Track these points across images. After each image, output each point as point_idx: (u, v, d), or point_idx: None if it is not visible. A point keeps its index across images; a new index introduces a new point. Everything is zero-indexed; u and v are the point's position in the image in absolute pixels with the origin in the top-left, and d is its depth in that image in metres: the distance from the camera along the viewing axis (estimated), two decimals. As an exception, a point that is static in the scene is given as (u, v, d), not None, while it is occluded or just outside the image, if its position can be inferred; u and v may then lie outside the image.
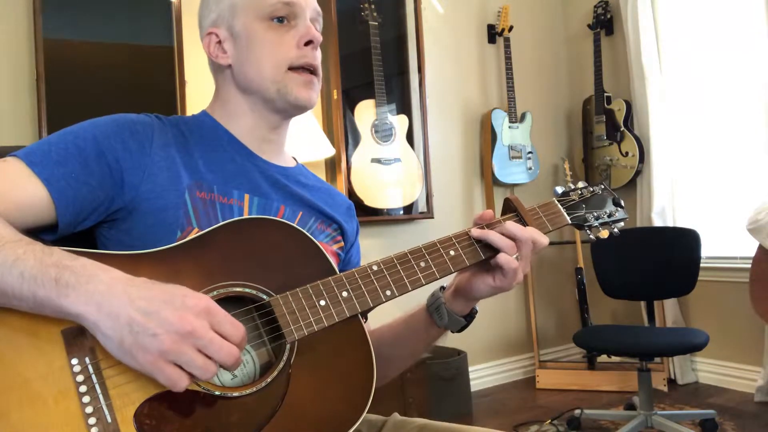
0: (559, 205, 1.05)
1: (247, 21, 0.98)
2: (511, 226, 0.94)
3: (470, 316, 1.03)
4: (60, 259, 0.72)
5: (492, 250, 0.94)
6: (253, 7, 0.98)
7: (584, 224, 1.07)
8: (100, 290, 0.69)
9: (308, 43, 0.99)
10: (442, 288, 1.03)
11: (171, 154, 0.94)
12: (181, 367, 0.69)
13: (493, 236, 0.93)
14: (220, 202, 0.94)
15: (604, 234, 1.08)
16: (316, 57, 1.01)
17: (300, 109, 1.02)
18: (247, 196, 0.97)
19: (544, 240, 0.95)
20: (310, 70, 1.00)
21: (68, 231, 0.86)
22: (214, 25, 1.01)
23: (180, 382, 0.69)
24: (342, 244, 1.09)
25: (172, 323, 0.68)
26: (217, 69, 1.04)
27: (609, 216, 1.09)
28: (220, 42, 1.01)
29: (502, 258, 0.92)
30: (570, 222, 1.05)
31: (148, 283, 0.72)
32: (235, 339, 0.71)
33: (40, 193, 0.82)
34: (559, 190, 1.09)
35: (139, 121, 0.94)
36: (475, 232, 0.95)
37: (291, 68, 0.98)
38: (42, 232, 0.84)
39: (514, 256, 0.93)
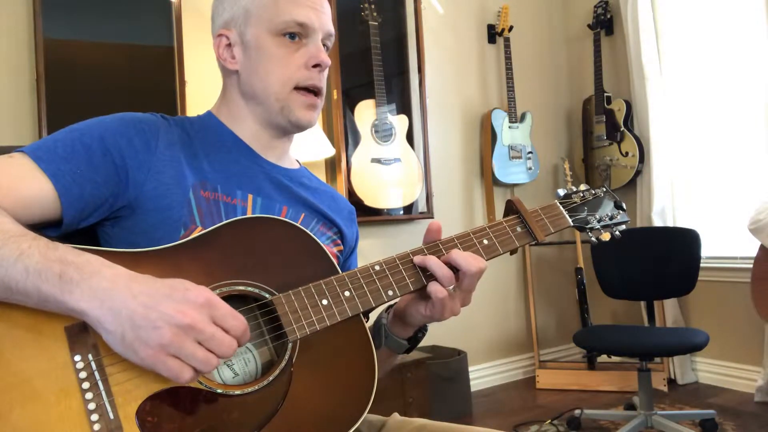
0: (561, 207, 1.06)
1: (259, 32, 0.98)
2: (456, 255, 0.90)
3: (414, 340, 1.00)
4: (64, 254, 0.72)
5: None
6: (267, 19, 0.97)
7: (586, 226, 1.08)
8: (103, 286, 0.70)
9: (316, 65, 0.99)
10: (390, 308, 1.01)
11: (176, 153, 0.94)
12: (183, 361, 0.69)
13: (432, 262, 0.89)
14: (223, 201, 0.94)
15: (606, 236, 1.08)
16: (322, 79, 1.01)
17: (299, 129, 1.03)
18: (250, 196, 0.97)
19: (484, 265, 0.91)
20: (315, 91, 1.00)
21: (72, 227, 0.86)
22: (226, 27, 1.01)
23: (183, 375, 0.69)
24: (341, 247, 1.09)
25: (172, 316, 0.68)
26: (225, 71, 1.04)
27: (610, 218, 1.09)
28: (230, 45, 1.01)
29: (431, 287, 0.89)
30: (572, 224, 1.06)
31: (151, 279, 0.72)
32: (236, 332, 0.72)
33: (46, 188, 0.83)
34: (561, 192, 1.10)
35: (145, 119, 0.94)
36: (417, 259, 0.91)
37: (296, 88, 0.99)
38: (46, 228, 0.84)
39: (451, 287, 0.90)
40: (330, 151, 2.78)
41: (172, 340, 0.68)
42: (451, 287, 0.90)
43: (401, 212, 3.13)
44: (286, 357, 0.81)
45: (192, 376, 0.70)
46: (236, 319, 0.72)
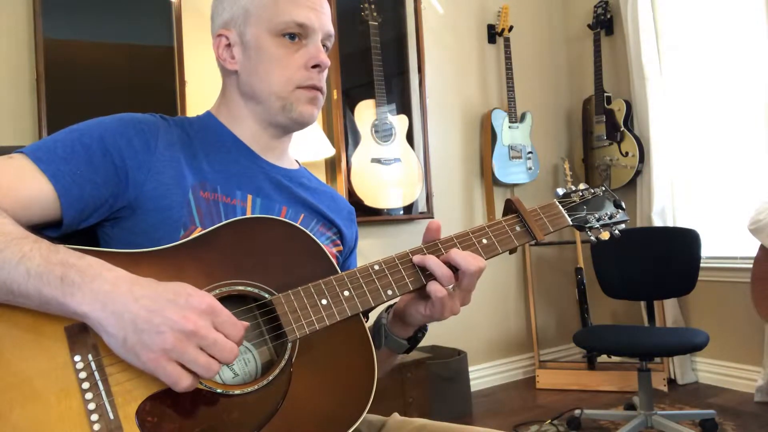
0: (560, 207, 1.06)
1: (259, 32, 0.98)
2: (456, 254, 0.90)
3: (414, 340, 1.01)
4: (66, 257, 0.72)
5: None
6: (266, 19, 0.98)
7: (585, 225, 1.07)
8: (104, 289, 0.70)
9: (316, 66, 0.99)
10: (390, 308, 1.01)
11: (175, 153, 0.94)
12: (183, 366, 0.69)
13: (432, 262, 0.89)
14: (223, 202, 0.94)
15: (605, 235, 1.08)
16: (322, 79, 1.01)
17: (301, 125, 1.02)
18: (250, 197, 0.97)
19: (483, 264, 0.91)
20: (316, 88, 1.01)
21: (72, 228, 0.86)
22: (226, 27, 1.01)
23: (182, 381, 0.69)
24: (341, 248, 1.10)
25: (175, 322, 0.68)
26: (224, 71, 1.04)
27: (610, 218, 1.09)
28: (229, 45, 1.01)
29: (430, 287, 0.89)
30: (571, 223, 1.05)
31: (153, 283, 0.72)
32: (234, 339, 0.72)
33: (46, 189, 0.83)
34: (561, 191, 1.09)
35: (145, 120, 0.94)
36: (416, 258, 0.91)
37: (297, 88, 0.99)
38: (46, 228, 0.85)
39: (451, 286, 0.90)
40: (330, 151, 2.78)
41: (174, 345, 0.68)
42: (451, 286, 0.90)
43: (401, 212, 3.13)
44: (286, 357, 0.81)
45: (190, 384, 0.70)
46: (234, 327, 0.72)
